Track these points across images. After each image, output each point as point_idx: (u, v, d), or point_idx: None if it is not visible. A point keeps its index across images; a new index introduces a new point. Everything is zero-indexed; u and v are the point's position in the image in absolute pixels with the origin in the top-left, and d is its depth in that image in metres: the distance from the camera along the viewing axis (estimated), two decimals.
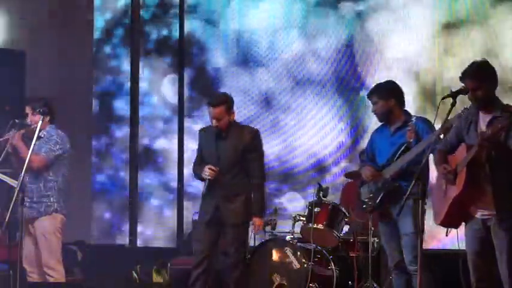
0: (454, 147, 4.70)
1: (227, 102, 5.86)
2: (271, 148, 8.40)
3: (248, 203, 5.86)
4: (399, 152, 5.31)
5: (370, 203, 5.44)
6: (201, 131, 6.14)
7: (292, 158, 8.59)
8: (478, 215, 4.54)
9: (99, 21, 9.81)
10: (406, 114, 5.48)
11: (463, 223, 4.68)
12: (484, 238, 4.54)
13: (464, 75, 4.58)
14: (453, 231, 4.81)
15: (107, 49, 9.75)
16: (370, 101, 5.55)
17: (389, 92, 5.48)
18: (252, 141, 5.85)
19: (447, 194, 4.60)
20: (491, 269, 4.54)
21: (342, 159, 8.34)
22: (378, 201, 5.34)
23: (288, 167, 8.59)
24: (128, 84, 9.37)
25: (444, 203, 4.61)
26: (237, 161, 5.81)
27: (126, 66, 9.47)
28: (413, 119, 5.33)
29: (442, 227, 4.75)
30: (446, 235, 4.92)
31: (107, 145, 9.70)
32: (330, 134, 8.45)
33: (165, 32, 9.42)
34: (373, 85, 5.68)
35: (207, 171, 5.73)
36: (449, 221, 4.67)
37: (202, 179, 5.86)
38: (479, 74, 4.56)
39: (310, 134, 8.53)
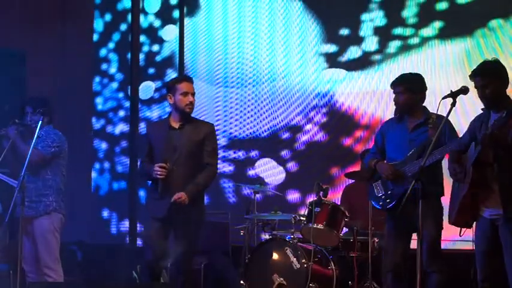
0: (468, 146, 4.69)
1: None
2: None
3: (200, 200, 5.61)
4: (419, 150, 5.13)
5: (388, 200, 5.33)
6: (149, 126, 5.96)
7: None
8: (487, 214, 4.55)
9: (100, 22, 9.84)
10: (425, 111, 5.33)
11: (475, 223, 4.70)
12: (492, 238, 4.56)
13: (474, 73, 4.59)
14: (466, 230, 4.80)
15: (107, 49, 9.78)
16: (393, 90, 5.36)
17: (419, 85, 5.33)
18: (210, 134, 5.60)
19: (459, 193, 4.62)
20: (499, 269, 4.54)
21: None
22: (399, 200, 5.10)
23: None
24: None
25: (456, 202, 4.63)
26: (192, 153, 5.52)
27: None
28: (434, 116, 5.11)
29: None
30: (460, 235, 4.89)
31: (106, 144, 9.71)
32: None
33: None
34: (399, 75, 5.46)
35: (159, 171, 5.42)
36: (460, 220, 4.68)
37: (150, 179, 5.58)
38: (489, 72, 4.57)
39: None
